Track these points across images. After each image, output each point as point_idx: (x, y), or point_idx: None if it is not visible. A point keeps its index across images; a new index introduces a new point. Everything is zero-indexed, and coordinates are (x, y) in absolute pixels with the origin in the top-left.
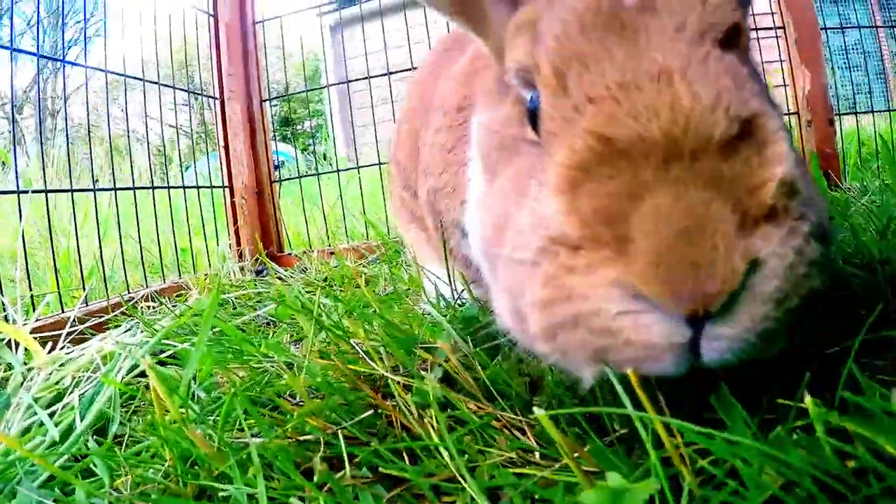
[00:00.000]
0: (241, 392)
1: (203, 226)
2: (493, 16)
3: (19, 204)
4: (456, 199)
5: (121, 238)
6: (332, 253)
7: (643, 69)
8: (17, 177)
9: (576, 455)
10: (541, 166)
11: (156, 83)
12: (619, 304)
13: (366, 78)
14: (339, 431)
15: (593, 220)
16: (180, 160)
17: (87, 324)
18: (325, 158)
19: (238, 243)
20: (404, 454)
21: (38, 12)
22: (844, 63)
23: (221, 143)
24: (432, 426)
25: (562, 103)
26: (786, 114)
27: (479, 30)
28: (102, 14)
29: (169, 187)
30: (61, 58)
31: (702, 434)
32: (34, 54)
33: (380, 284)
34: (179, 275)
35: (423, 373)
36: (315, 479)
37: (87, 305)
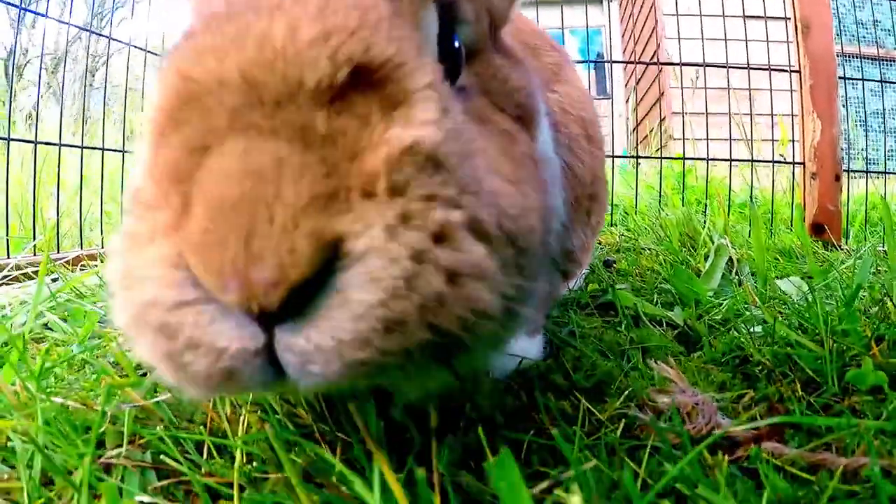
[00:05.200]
0: None
1: None
2: None
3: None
4: None
5: (81, 195)
6: None
7: None
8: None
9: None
10: None
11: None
12: (177, 289)
13: None
14: None
15: (164, 175)
16: None
17: (24, 271)
18: None
19: None
20: None
21: None
22: (880, 125)
23: None
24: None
25: (178, 40)
26: (790, 163)
27: None
28: None
29: (124, 151)
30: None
31: None
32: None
33: None
34: None
35: None
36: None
37: (35, 256)
